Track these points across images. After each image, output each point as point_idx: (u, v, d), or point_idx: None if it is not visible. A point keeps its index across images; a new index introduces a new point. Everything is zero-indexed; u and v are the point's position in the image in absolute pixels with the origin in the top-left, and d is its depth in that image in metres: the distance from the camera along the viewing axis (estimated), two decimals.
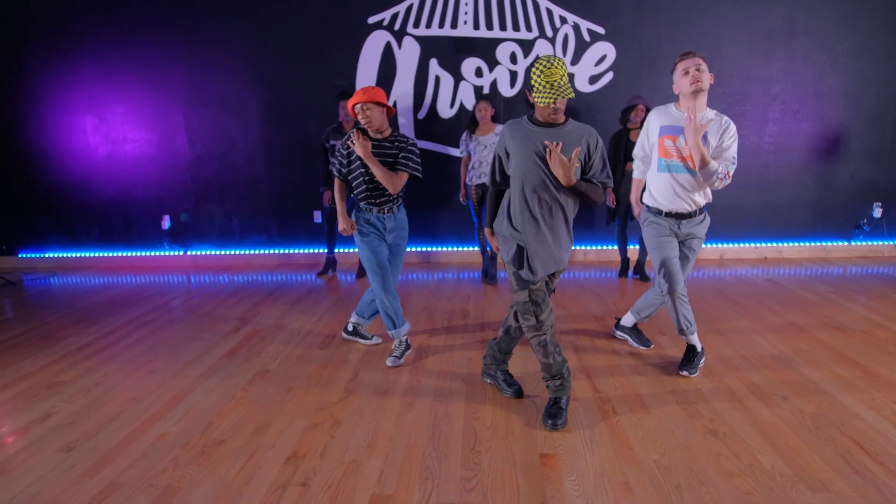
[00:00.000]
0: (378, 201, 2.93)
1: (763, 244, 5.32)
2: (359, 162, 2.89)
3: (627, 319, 3.22)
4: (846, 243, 5.31)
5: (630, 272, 4.76)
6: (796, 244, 5.32)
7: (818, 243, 5.32)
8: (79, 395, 2.74)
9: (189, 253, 5.60)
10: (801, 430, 2.28)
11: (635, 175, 3.01)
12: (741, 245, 5.28)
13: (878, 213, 5.18)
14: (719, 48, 4.90)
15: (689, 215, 2.75)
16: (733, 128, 2.61)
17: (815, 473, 1.99)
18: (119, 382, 2.88)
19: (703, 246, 5.29)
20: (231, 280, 4.99)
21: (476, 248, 5.29)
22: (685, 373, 2.79)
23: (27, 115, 5.30)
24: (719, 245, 5.27)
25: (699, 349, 2.84)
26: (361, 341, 3.32)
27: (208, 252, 5.59)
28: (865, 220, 5.23)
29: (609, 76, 4.98)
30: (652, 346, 3.15)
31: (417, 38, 4.95)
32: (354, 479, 2.02)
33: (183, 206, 5.47)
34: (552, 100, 2.12)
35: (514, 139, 2.29)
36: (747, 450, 2.15)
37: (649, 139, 2.80)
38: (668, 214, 2.77)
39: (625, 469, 2.04)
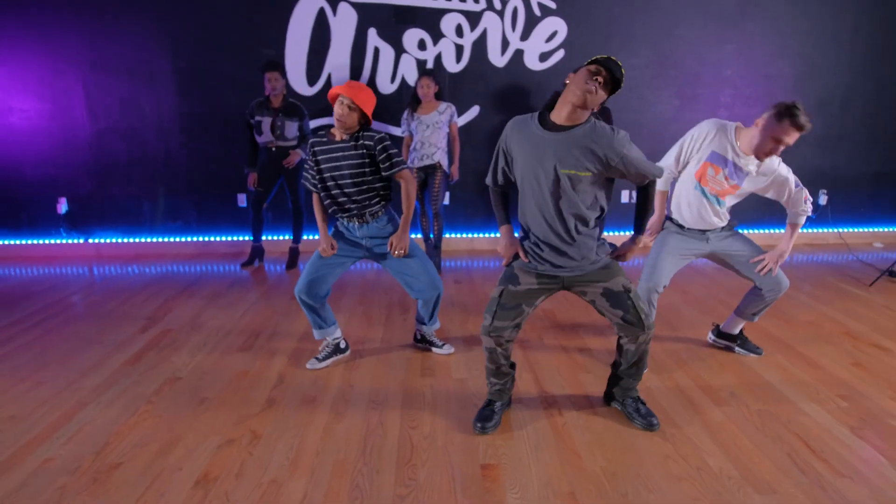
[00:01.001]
0: (347, 214, 2.77)
1: None
2: (329, 173, 2.68)
3: (731, 324, 3.04)
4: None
5: None
6: (744, 231, 5.53)
7: (766, 230, 5.56)
8: None
9: (91, 241, 5.20)
10: (748, 429, 2.33)
11: (660, 186, 2.77)
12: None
13: (823, 200, 5.46)
14: (671, 28, 4.97)
15: (712, 229, 2.78)
16: (783, 169, 2.64)
17: (762, 475, 2.04)
18: None
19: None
20: (141, 272, 4.67)
21: (418, 236, 5.18)
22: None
23: None
24: None
25: None
26: (434, 350, 3.09)
27: (113, 240, 5.21)
28: (812, 208, 5.50)
29: (560, 54, 4.95)
30: (763, 354, 3.03)
31: (354, 5, 4.73)
32: (274, 503, 1.90)
33: (83, 187, 5.05)
34: (595, 65, 1.93)
35: (520, 146, 2.10)
36: (695, 452, 2.17)
37: (696, 152, 2.64)
38: (692, 229, 2.79)
39: (570, 478, 2.02)
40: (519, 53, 4.95)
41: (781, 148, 2.47)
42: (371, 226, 2.77)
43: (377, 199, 2.74)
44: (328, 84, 4.91)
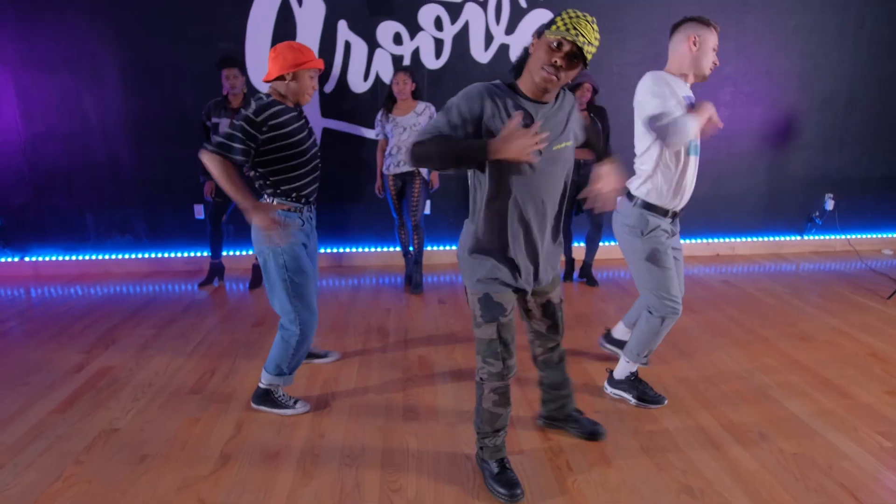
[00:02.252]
0: (312, 189, 2.51)
1: (715, 239, 5.30)
2: (307, 144, 2.40)
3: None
4: (799, 237, 5.41)
5: (575, 275, 4.55)
6: (749, 239, 5.35)
7: (771, 238, 5.38)
8: None
9: (27, 259, 4.76)
10: (785, 478, 2.08)
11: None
12: (693, 241, 5.23)
13: (830, 205, 5.30)
14: (668, 22, 4.73)
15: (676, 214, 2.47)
16: None
17: None
18: None
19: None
20: (85, 294, 4.27)
21: (397, 249, 4.87)
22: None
23: None
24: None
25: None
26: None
27: (54, 258, 4.79)
28: (818, 213, 5.35)
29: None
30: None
31: None
32: None
33: (17, 198, 4.62)
34: (566, 36, 1.57)
35: (498, 116, 1.70)
36: None
37: (676, 107, 2.25)
38: (675, 214, 2.43)
39: None
40: (504, 48, 4.68)
41: (715, 56, 2.36)
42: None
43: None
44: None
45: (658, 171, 2.34)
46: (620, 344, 2.89)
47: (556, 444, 2.29)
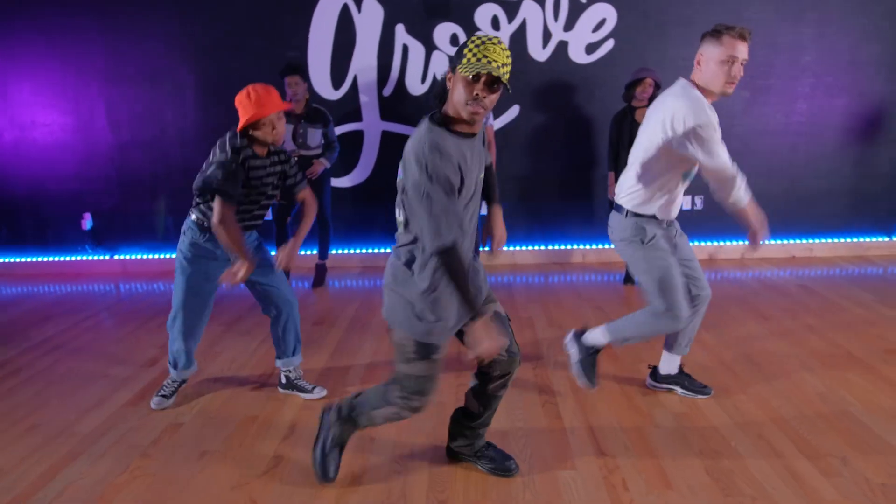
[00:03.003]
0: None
1: (791, 241, 4.87)
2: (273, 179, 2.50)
3: (668, 364, 2.57)
4: (887, 239, 4.88)
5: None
6: (829, 240, 4.88)
7: (855, 239, 4.89)
8: None
9: (116, 257, 5.04)
10: None
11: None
12: (765, 242, 4.83)
13: None
14: (740, 11, 4.39)
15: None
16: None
17: None
18: None
19: (723, 244, 4.87)
20: (167, 289, 4.46)
21: None
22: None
23: None
24: (739, 242, 4.81)
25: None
26: (304, 396, 2.69)
27: (139, 256, 5.03)
28: None
29: (609, 44, 4.45)
30: (712, 393, 2.56)
31: (380, 0, 4.38)
32: None
33: (107, 202, 4.89)
34: (480, 69, 1.50)
35: (458, 157, 1.63)
36: None
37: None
38: (669, 224, 2.37)
39: None
40: (563, 45, 4.49)
41: (735, 69, 2.05)
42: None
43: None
44: (354, 87, 4.57)
45: (656, 188, 2.22)
46: (670, 379, 2.60)
47: (611, 461, 2.12)
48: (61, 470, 2.17)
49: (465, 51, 1.55)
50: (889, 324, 3.36)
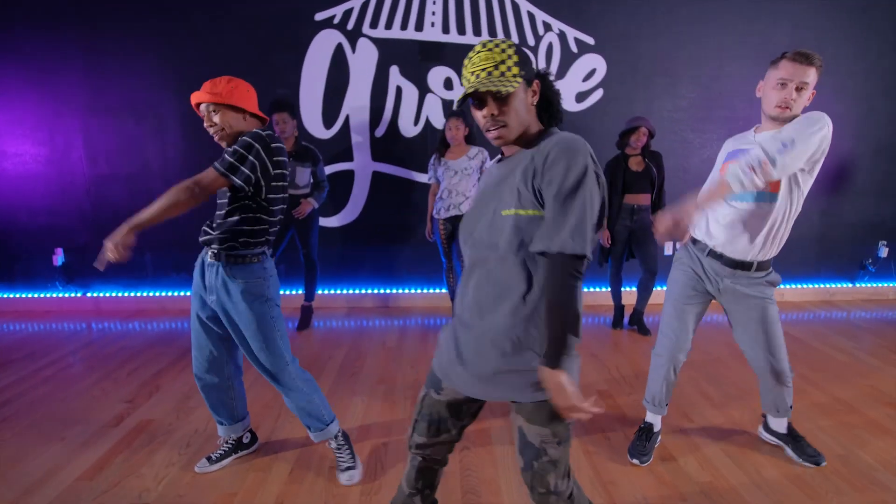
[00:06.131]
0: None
1: None
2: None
3: (777, 423, 2.26)
4: (850, 285, 4.71)
5: (625, 321, 3.96)
6: (799, 286, 4.69)
7: (821, 285, 4.70)
8: None
9: (89, 295, 4.43)
10: None
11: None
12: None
13: (884, 252, 4.62)
14: (722, 65, 4.24)
15: (742, 265, 1.98)
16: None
17: None
18: None
19: None
20: (142, 329, 3.89)
21: (444, 291, 4.38)
22: (636, 461, 2.14)
23: None
24: None
25: (657, 429, 2.23)
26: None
27: (113, 294, 4.44)
28: (871, 260, 4.66)
29: (599, 93, 4.22)
30: (824, 463, 2.16)
31: (375, 41, 4.05)
32: None
33: (80, 237, 4.31)
34: (469, 92, 1.18)
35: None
36: None
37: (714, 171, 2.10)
38: (713, 254, 2.01)
39: None
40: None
41: (793, 90, 1.79)
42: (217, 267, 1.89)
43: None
44: (346, 126, 4.19)
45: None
46: (780, 436, 2.28)
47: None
48: None
49: (463, 79, 1.24)
50: (874, 371, 3.08)
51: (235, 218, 1.84)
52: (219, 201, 1.92)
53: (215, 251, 1.87)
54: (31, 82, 4.07)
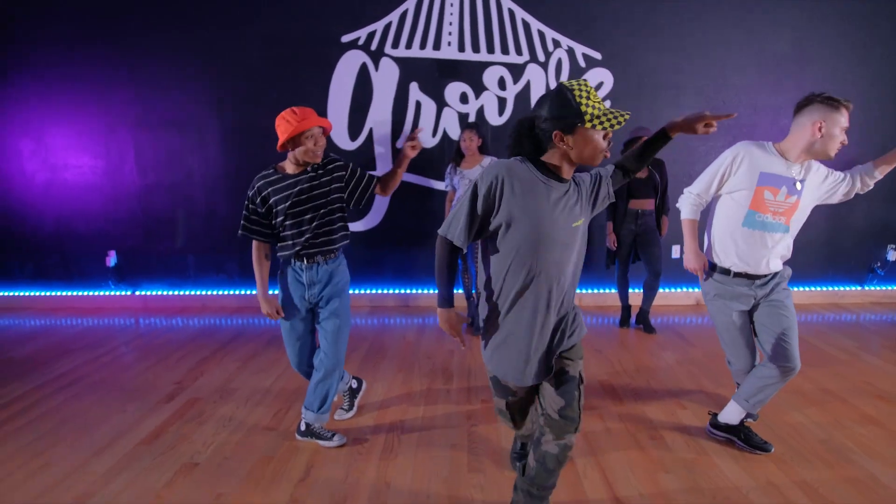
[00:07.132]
0: (316, 249, 2.33)
1: None
2: (299, 200, 2.25)
3: (730, 413, 2.37)
4: (859, 288, 4.81)
5: (632, 321, 4.18)
6: (807, 289, 4.81)
7: (830, 288, 4.82)
8: None
9: (138, 293, 4.87)
10: None
11: (687, 215, 2.35)
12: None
13: (892, 256, 4.71)
14: (725, 77, 4.44)
15: (765, 276, 2.25)
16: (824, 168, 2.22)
17: None
18: None
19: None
20: (185, 325, 4.28)
21: (460, 291, 4.66)
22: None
23: None
24: None
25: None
26: (322, 443, 2.44)
27: (159, 293, 4.87)
28: (879, 264, 4.76)
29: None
30: (773, 450, 2.33)
31: (396, 60, 4.40)
32: None
33: (131, 240, 4.76)
34: (616, 122, 1.50)
35: (521, 194, 1.54)
36: None
37: (736, 180, 2.19)
38: (739, 275, 2.24)
39: None
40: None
41: (844, 137, 2.09)
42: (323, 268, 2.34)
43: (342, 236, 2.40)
44: (369, 139, 4.54)
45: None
46: (730, 429, 2.41)
47: None
48: None
49: (584, 106, 1.50)
50: (871, 368, 3.24)
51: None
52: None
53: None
54: (85, 100, 4.55)
